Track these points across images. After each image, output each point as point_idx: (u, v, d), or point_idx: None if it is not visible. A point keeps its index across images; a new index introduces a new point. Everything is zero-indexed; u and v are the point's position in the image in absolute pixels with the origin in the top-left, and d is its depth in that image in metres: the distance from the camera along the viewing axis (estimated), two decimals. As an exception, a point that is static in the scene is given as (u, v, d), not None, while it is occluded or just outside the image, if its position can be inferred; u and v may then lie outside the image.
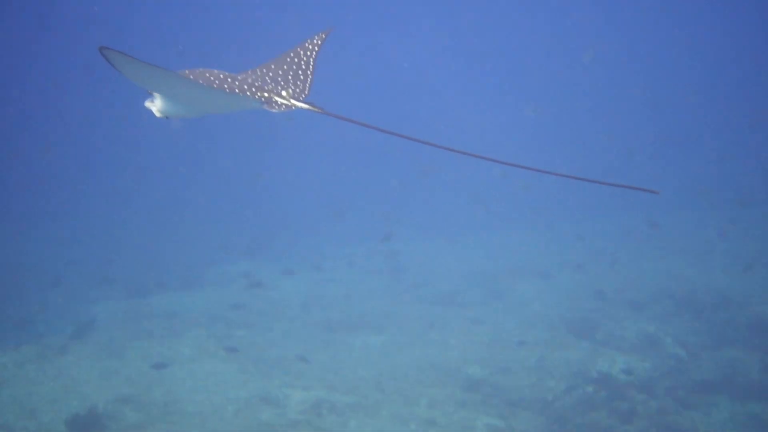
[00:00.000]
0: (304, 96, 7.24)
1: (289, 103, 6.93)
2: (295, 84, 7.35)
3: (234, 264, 27.11)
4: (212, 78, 6.84)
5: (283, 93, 6.97)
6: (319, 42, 7.86)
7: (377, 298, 22.76)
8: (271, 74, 7.44)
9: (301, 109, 6.87)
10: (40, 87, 54.82)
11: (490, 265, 26.29)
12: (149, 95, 6.89)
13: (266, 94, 6.93)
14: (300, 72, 7.52)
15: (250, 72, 7.49)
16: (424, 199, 37.34)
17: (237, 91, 6.82)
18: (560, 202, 35.14)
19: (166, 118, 7.01)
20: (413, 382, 16.27)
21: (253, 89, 6.93)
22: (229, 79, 6.92)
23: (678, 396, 16.60)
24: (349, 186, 42.12)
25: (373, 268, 26.23)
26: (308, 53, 7.74)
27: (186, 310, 21.43)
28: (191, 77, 6.75)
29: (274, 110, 6.88)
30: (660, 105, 52.06)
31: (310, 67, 7.61)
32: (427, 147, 6.07)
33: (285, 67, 7.57)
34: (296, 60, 7.64)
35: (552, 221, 32.91)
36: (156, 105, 6.91)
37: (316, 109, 6.61)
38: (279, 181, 42.84)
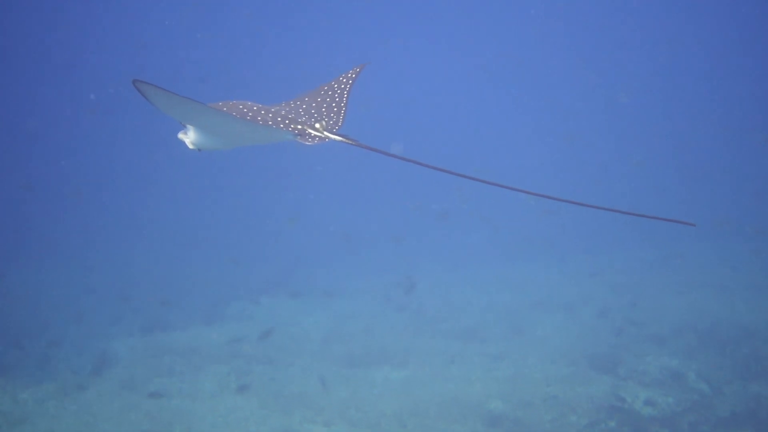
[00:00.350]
0: (337, 128, 7.21)
1: (323, 135, 6.89)
2: (328, 116, 7.32)
3: (254, 300, 27.03)
4: (245, 110, 6.82)
5: (317, 125, 6.94)
6: (354, 75, 7.85)
7: (397, 333, 22.67)
8: (304, 107, 7.43)
9: (335, 141, 6.83)
10: (55, 112, 55.20)
11: (510, 299, 26.16)
12: (182, 127, 6.89)
13: (300, 126, 6.90)
14: (333, 104, 7.50)
15: (283, 104, 7.47)
16: (443, 231, 37.21)
17: (270, 123, 6.80)
18: (578, 234, 35.05)
19: (199, 150, 7.00)
20: (435, 418, 16.19)
21: (287, 121, 6.90)
22: (263, 112, 6.90)
23: (702, 431, 16.49)
24: (366, 218, 42.02)
25: (393, 303, 26.13)
26: (342, 86, 7.72)
27: (206, 345, 21.38)
28: (224, 110, 6.74)
29: (307, 143, 6.83)
30: (684, 136, 52.02)
31: (344, 99, 7.58)
32: (450, 177, 6.03)
33: (319, 99, 7.56)
34: (330, 93, 7.63)
35: (570, 254, 32.78)
36: (189, 137, 6.92)
37: (350, 141, 6.59)
38: (298, 214, 42.84)
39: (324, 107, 7.45)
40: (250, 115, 6.78)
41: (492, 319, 23.78)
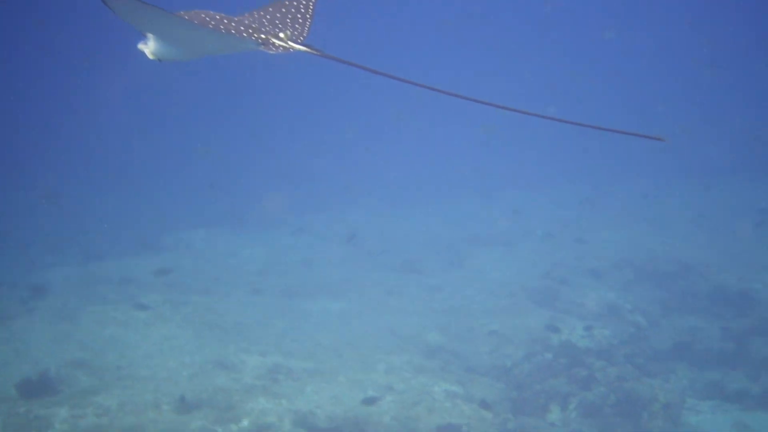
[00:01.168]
0: (302, 38, 7.05)
1: (287, 45, 6.69)
2: (293, 26, 7.15)
3: (191, 231, 26.77)
4: (208, 19, 6.63)
5: (281, 35, 6.76)
6: None
7: (336, 266, 22.56)
8: (268, 17, 7.22)
9: (299, 51, 6.63)
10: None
11: (449, 232, 26.17)
12: (143, 37, 6.70)
13: (263, 36, 6.71)
14: (299, 15, 7.30)
15: (247, 15, 7.29)
16: (383, 166, 37.11)
17: (233, 32, 6.60)
18: (517, 171, 35.14)
19: (159, 60, 6.79)
20: (371, 348, 16.09)
21: (250, 31, 6.70)
22: (225, 21, 6.71)
23: (637, 363, 16.54)
24: (311, 151, 41.70)
25: (333, 236, 26.01)
26: None
27: (141, 275, 21.11)
28: (186, 18, 6.51)
29: (271, 52, 6.64)
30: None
31: (310, 9, 7.40)
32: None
33: (284, 9, 7.35)
34: (295, 3, 7.44)
35: (509, 190, 32.83)
36: (149, 47, 6.66)
37: (314, 52, 6.38)
38: (239, 153, 42.47)
39: (289, 17, 7.24)
40: (212, 24, 6.58)
41: (431, 252, 23.76)
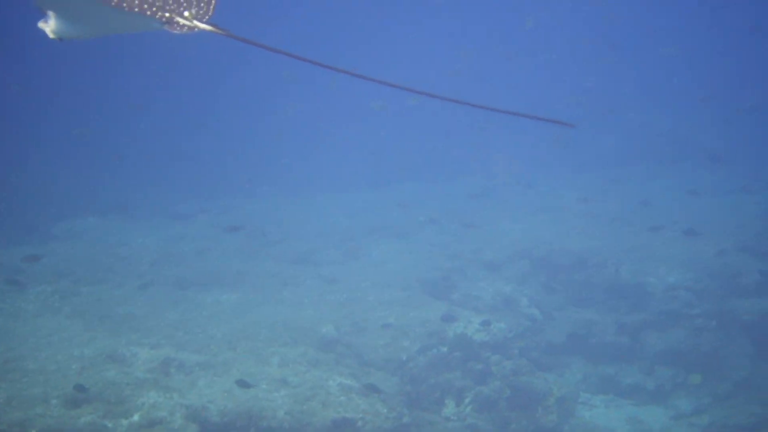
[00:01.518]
0: (207, 17, 6.80)
1: (192, 24, 6.46)
2: (198, 5, 6.91)
3: (83, 219, 26.19)
4: None
5: (186, 14, 6.51)
6: None
7: (230, 256, 22.24)
8: None
9: (205, 30, 6.41)
10: None
11: (345, 223, 25.98)
12: (43, 15, 6.40)
13: (167, 14, 6.45)
14: None
15: None
16: (280, 156, 36.77)
17: (136, 9, 6.33)
18: (412, 163, 35.09)
19: (60, 39, 6.50)
20: (265, 341, 15.79)
21: (154, 9, 6.43)
22: None
23: (532, 357, 16.63)
24: (211, 138, 41.05)
25: (228, 225, 25.64)
26: None
27: (30, 264, 20.53)
28: None
29: (176, 31, 6.41)
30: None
31: None
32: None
33: None
34: None
35: (406, 182, 32.77)
36: (50, 25, 6.38)
37: (220, 32, 6.18)
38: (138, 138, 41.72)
39: None
40: (114, 2, 6.29)
41: (327, 244, 23.56)
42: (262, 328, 16.56)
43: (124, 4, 6.32)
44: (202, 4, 6.89)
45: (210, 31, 6.34)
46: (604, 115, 34.25)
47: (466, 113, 36.66)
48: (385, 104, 32.80)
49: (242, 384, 13.32)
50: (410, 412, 14.01)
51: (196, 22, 6.46)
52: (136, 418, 12.43)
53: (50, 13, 6.39)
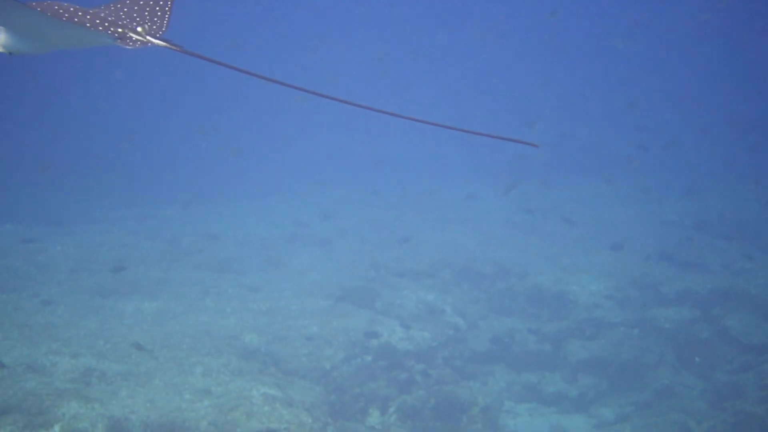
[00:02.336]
0: (161, 33, 6.68)
1: (145, 40, 6.35)
2: (152, 20, 6.78)
3: (-1, 226, 25.74)
4: (61, 11, 6.19)
5: (139, 29, 6.38)
6: None
7: (151, 264, 21.97)
8: (126, 9, 6.84)
9: (158, 46, 6.30)
10: None
11: (266, 231, 25.83)
12: None
13: (120, 30, 6.33)
14: (157, 8, 6.94)
15: (103, 7, 6.89)
16: (198, 161, 36.47)
17: (88, 25, 6.20)
18: (332, 168, 35.06)
19: (10, 53, 6.31)
20: (188, 350, 15.59)
21: (107, 24, 6.31)
22: (80, 13, 6.29)
23: (456, 365, 16.63)
24: (127, 142, 40.53)
25: (147, 233, 25.36)
26: None
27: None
28: (38, 9, 6.06)
29: (128, 47, 6.30)
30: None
31: (168, 3, 7.03)
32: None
33: (141, 2, 6.98)
34: None
35: (328, 188, 32.71)
36: (0, 40, 6.21)
37: (174, 47, 6.09)
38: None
39: (147, 10, 6.90)
40: (66, 16, 6.19)
41: (248, 251, 23.42)
42: (185, 336, 16.34)
43: (76, 20, 6.21)
44: (155, 20, 6.79)
45: (163, 47, 6.24)
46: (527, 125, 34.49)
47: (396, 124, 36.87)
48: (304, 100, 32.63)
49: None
50: (335, 422, 13.92)
51: (149, 38, 6.37)
52: (56, 429, 12.17)
53: None
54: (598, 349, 17.51)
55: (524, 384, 17.09)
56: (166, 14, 6.95)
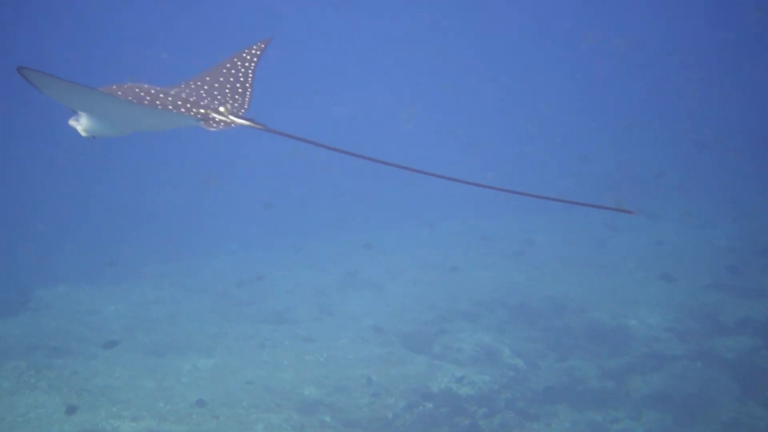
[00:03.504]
0: (243, 111, 6.60)
1: (228, 120, 6.28)
2: (233, 98, 6.67)
3: (50, 288, 25.70)
4: (142, 94, 6.13)
5: (221, 109, 6.30)
6: (258, 52, 7.22)
7: (204, 318, 21.89)
8: (206, 87, 6.74)
9: (242, 126, 6.23)
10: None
11: (316, 278, 25.70)
12: (73, 113, 6.16)
13: (203, 110, 6.27)
14: (238, 85, 6.85)
15: (183, 86, 6.77)
16: (239, 212, 36.43)
17: (170, 107, 6.15)
18: (378, 210, 34.93)
19: (93, 137, 6.27)
20: (247, 407, 15.52)
21: (188, 105, 6.26)
22: (161, 95, 6.24)
23: (518, 408, 16.43)
24: (168, 190, 40.62)
25: (197, 287, 25.33)
26: (246, 64, 7.07)
27: (1, 338, 20.11)
28: (119, 94, 6.05)
29: (212, 128, 6.22)
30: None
31: (249, 79, 6.94)
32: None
33: (221, 79, 6.86)
34: (233, 71, 6.95)
35: (373, 230, 32.53)
36: (82, 124, 6.19)
37: (258, 126, 6.02)
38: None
39: (228, 88, 6.82)
40: (147, 99, 6.13)
41: (300, 300, 23.29)
42: (243, 393, 16.28)
43: (158, 103, 6.11)
44: (237, 97, 6.68)
45: (247, 126, 6.15)
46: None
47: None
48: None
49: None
50: (402, 472, 13.81)
51: (232, 117, 6.26)
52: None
53: (80, 113, 6.16)
54: (661, 384, 17.25)
55: (589, 422, 16.83)
56: (248, 90, 6.83)
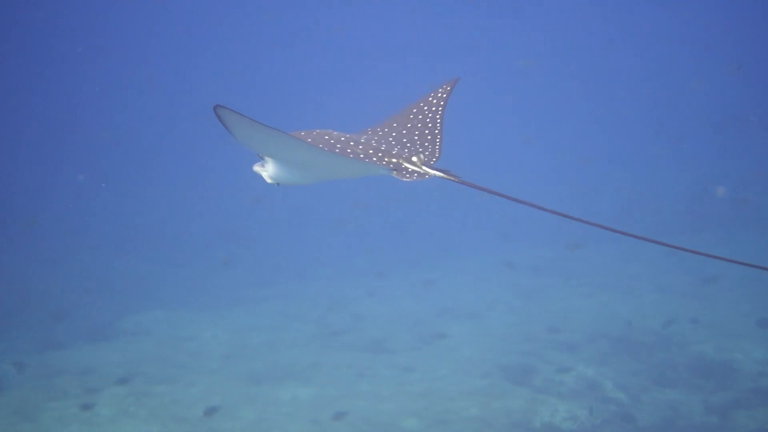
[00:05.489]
0: (434, 160, 6.44)
1: (422, 171, 6.10)
2: (423, 146, 6.53)
3: (148, 313, 25.95)
4: (332, 141, 6.09)
5: (414, 159, 6.16)
6: (445, 95, 7.00)
7: (302, 346, 21.94)
8: (394, 134, 6.67)
9: (434, 177, 6.05)
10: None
11: (415, 306, 25.60)
12: (258, 158, 6.15)
13: (395, 160, 6.14)
14: (426, 131, 6.69)
15: (370, 132, 6.65)
16: (337, 240, 36.48)
17: (362, 156, 6.06)
18: (474, 237, 34.79)
19: (278, 185, 6.27)
20: (349, 440, 15.49)
21: (380, 154, 6.15)
22: (352, 143, 6.17)
23: (622, 443, 16.16)
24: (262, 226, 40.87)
25: (294, 313, 25.38)
26: (434, 108, 6.88)
27: (101, 364, 20.31)
28: (309, 140, 5.98)
29: (405, 179, 6.05)
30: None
31: (438, 125, 6.76)
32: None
33: (409, 125, 6.73)
34: (420, 117, 6.77)
35: (470, 256, 32.40)
36: (267, 170, 6.17)
37: (451, 178, 5.81)
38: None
39: (416, 135, 6.67)
40: (338, 147, 6.06)
41: (398, 328, 23.19)
42: (343, 424, 16.22)
43: (349, 152, 5.97)
44: (426, 145, 6.50)
45: (441, 178, 5.98)
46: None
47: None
48: None
49: None
50: None
51: (425, 168, 6.08)
52: None
53: (267, 159, 6.07)
54: (767, 420, 16.89)
55: (694, 458, 16.58)
56: (437, 138, 6.63)
